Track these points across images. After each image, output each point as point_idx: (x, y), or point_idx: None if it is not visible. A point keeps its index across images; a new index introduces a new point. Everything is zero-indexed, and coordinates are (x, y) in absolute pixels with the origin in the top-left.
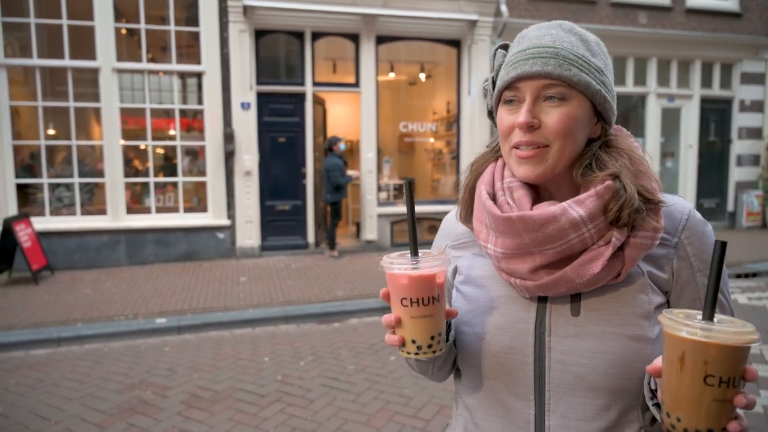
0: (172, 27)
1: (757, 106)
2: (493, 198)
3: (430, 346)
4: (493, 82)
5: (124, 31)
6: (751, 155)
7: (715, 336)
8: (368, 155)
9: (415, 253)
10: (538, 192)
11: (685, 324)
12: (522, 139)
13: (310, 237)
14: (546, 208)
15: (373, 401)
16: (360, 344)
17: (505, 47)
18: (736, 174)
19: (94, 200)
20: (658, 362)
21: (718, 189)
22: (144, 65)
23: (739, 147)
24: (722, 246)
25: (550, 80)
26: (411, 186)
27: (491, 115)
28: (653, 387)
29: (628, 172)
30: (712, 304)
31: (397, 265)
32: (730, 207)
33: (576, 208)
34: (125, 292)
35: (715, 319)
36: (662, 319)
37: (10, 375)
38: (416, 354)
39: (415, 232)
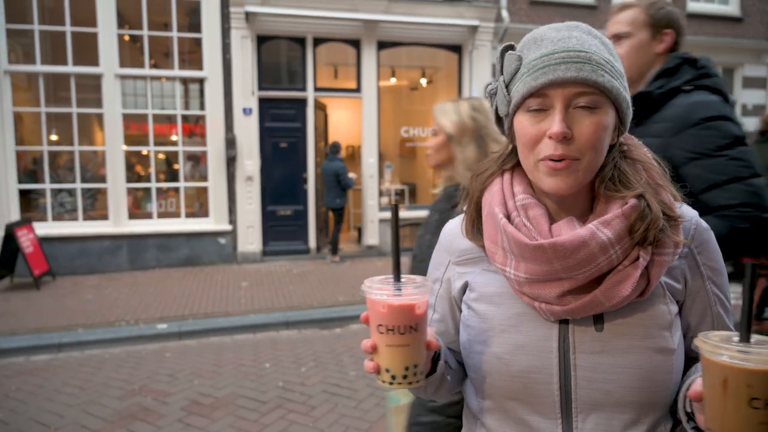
0: (174, 33)
1: (759, 111)
2: (508, 219)
3: (405, 377)
4: (506, 86)
5: (127, 38)
6: None
7: (757, 359)
8: (369, 160)
9: (397, 279)
10: (547, 206)
11: (724, 348)
12: (555, 153)
13: (312, 242)
14: (575, 233)
15: (375, 408)
16: (361, 350)
17: (512, 48)
18: None
19: (96, 205)
20: (697, 386)
21: None
22: (146, 71)
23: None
24: (753, 267)
25: (584, 87)
26: (397, 209)
27: (500, 121)
28: (689, 410)
29: (650, 188)
30: (747, 325)
31: (377, 290)
32: None
33: (604, 230)
34: (126, 297)
35: (752, 339)
36: (699, 343)
37: (10, 381)
38: (390, 384)
39: (398, 256)
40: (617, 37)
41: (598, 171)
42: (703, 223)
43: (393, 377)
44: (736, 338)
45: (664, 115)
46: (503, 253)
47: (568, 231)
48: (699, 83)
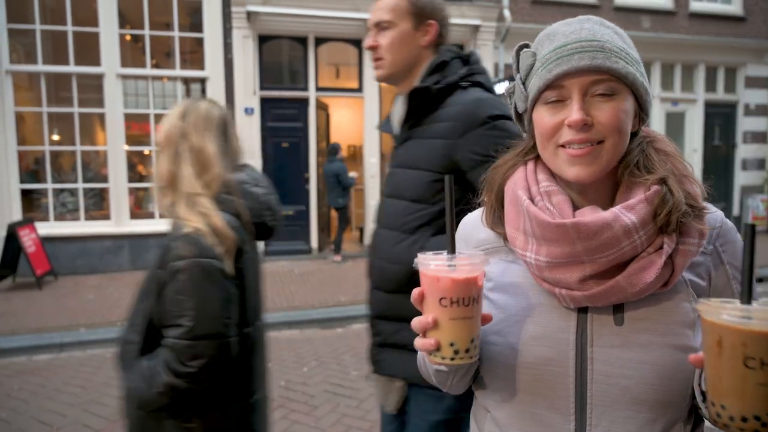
0: (176, 33)
1: (761, 110)
2: (531, 201)
3: (467, 350)
4: (523, 84)
5: (128, 38)
6: (756, 159)
7: (753, 317)
8: (371, 160)
9: (452, 251)
10: (570, 196)
11: (723, 309)
12: (575, 138)
13: (314, 242)
14: (599, 215)
15: (376, 407)
16: (363, 350)
17: (527, 47)
18: (742, 178)
19: (97, 205)
20: (700, 353)
21: (723, 193)
22: (148, 71)
23: (744, 151)
24: (752, 228)
25: (599, 75)
26: (451, 182)
27: (520, 117)
28: (704, 388)
29: (674, 176)
30: (749, 287)
31: (438, 263)
32: (735, 211)
33: (627, 214)
34: (128, 297)
35: (753, 303)
36: (699, 306)
37: (12, 380)
38: (452, 359)
39: (453, 230)
40: (379, 26)
41: (623, 157)
42: (729, 223)
43: (456, 352)
44: (738, 302)
45: (447, 114)
46: (524, 237)
47: (591, 215)
48: (473, 80)
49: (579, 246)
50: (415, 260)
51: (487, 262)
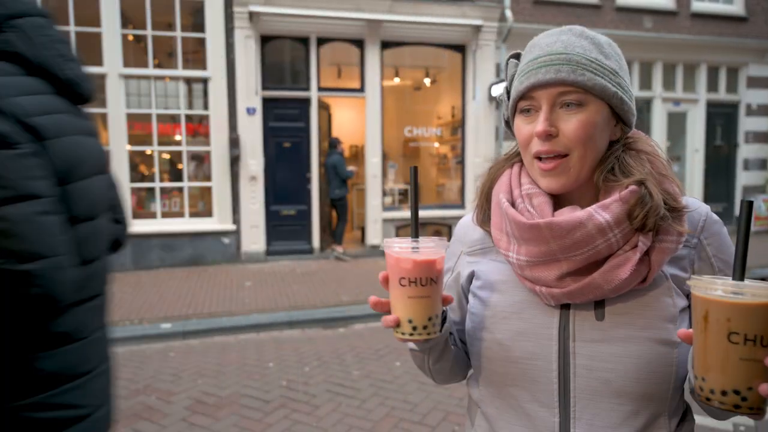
0: (178, 33)
1: (763, 110)
2: (512, 205)
3: (425, 327)
4: (508, 92)
5: (131, 38)
6: (758, 159)
7: (738, 292)
8: (373, 160)
9: (416, 236)
10: (556, 197)
11: (712, 283)
12: (541, 149)
13: (315, 242)
14: (572, 214)
15: (378, 407)
16: (365, 349)
17: (517, 56)
18: (743, 178)
19: None
20: (690, 329)
21: (725, 193)
22: (150, 71)
23: (745, 151)
24: (749, 204)
25: (565, 87)
26: (416, 171)
27: (508, 124)
28: (691, 364)
29: (652, 177)
30: (742, 264)
31: (400, 246)
32: (737, 211)
33: (601, 212)
34: (130, 297)
35: (745, 281)
36: (690, 281)
37: None
38: (410, 335)
39: (417, 215)
40: None
41: (599, 164)
42: (714, 216)
43: (414, 328)
44: (730, 279)
45: None
46: (507, 238)
47: (567, 214)
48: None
49: (553, 244)
50: (383, 242)
51: (446, 247)
